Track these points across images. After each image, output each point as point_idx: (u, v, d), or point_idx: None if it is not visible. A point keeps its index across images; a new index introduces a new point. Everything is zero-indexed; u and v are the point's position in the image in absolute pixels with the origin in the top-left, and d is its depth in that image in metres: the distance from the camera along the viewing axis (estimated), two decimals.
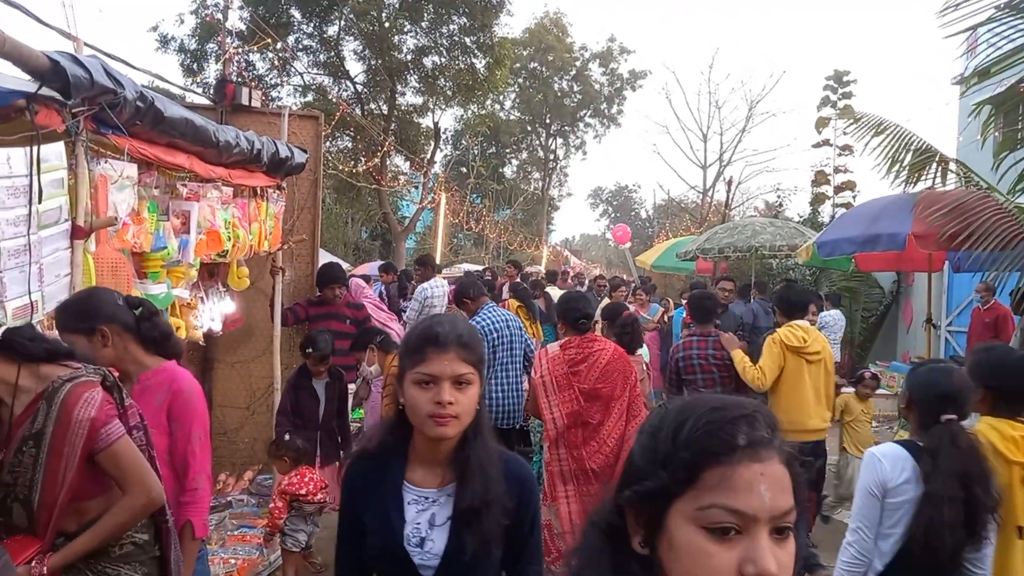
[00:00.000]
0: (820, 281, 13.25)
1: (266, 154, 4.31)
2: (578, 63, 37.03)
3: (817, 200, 21.53)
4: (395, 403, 1.72)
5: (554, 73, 36.45)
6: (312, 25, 21.16)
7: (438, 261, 17.67)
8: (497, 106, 32.05)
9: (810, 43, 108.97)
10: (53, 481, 1.98)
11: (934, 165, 6.03)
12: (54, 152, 2.55)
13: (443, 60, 21.44)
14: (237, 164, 4.05)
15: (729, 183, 23.38)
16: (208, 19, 18.16)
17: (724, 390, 4.78)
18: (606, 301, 7.76)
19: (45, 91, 2.35)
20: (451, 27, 20.92)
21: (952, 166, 6.10)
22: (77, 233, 2.63)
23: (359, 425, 6.21)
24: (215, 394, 5.54)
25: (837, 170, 21.91)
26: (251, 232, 4.43)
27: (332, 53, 21.55)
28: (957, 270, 6.93)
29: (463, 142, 31.87)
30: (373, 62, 21.33)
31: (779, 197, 26.78)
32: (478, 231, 26.62)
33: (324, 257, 7.51)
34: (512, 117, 36.32)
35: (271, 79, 21.10)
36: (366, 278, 11.78)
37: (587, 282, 16.08)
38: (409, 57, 21.42)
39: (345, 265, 11.78)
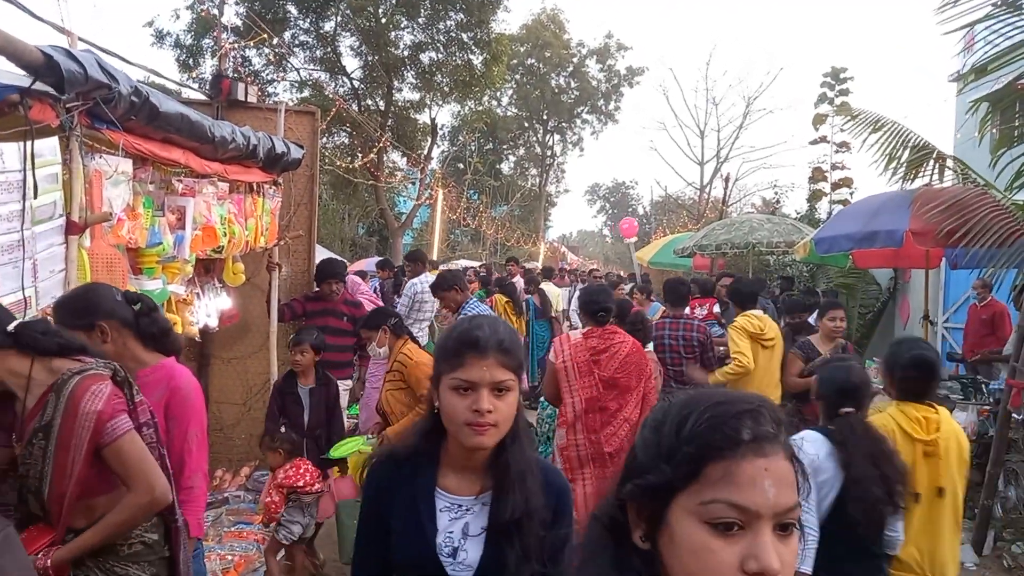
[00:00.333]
0: (817, 278, 13.26)
1: (262, 150, 4.29)
2: (575, 59, 37.00)
3: (814, 197, 21.54)
4: (430, 405, 1.65)
5: (551, 69, 36.41)
6: (308, 21, 21.11)
7: (435, 257, 17.69)
8: (494, 102, 32.05)
9: (807, 40, 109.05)
10: (61, 474, 1.98)
11: (931, 162, 6.04)
12: (48, 147, 2.54)
13: (440, 56, 21.40)
14: (233, 160, 4.03)
15: (726, 180, 23.42)
16: (204, 14, 18.08)
17: (687, 369, 5.40)
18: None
19: (39, 86, 2.33)
20: (448, 23, 20.88)
21: (949, 163, 6.10)
22: (72, 229, 2.62)
23: (354, 421, 6.20)
24: (211, 390, 5.52)
25: (834, 167, 21.92)
26: (247, 228, 4.41)
27: (328, 49, 21.50)
28: (954, 267, 6.94)
29: (460, 138, 31.82)
30: (370, 58, 21.29)
31: (776, 194, 26.78)
32: (475, 227, 26.62)
33: (321, 253, 7.49)
34: (509, 113, 36.29)
35: (267, 75, 21.03)
36: (362, 274, 11.79)
37: (582, 277, 16.09)
38: (406, 53, 21.38)
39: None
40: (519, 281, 11.15)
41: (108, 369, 2.07)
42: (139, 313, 2.48)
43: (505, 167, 37.52)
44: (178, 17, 20.71)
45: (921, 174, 6.12)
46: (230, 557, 4.17)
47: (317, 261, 5.85)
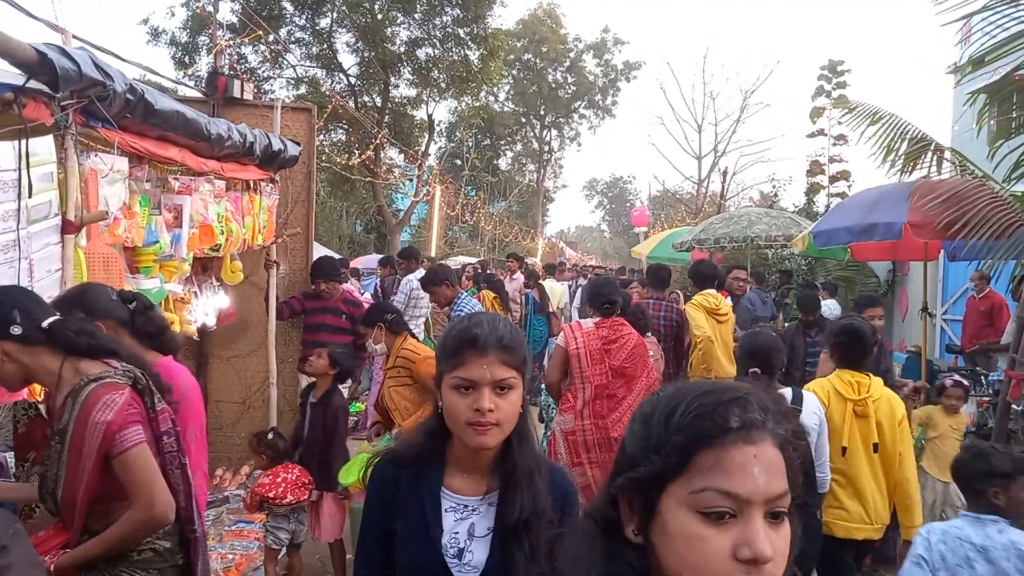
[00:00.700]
0: (816, 271, 13.26)
1: (259, 147, 4.28)
2: (572, 54, 36.96)
3: (812, 190, 21.55)
4: (435, 405, 1.63)
5: (548, 64, 36.37)
6: (304, 17, 21.06)
7: (433, 254, 17.68)
8: (491, 98, 31.99)
9: (805, 32, 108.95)
10: (73, 479, 1.97)
11: (929, 154, 6.03)
12: (43, 146, 2.53)
13: (436, 52, 21.36)
14: (229, 157, 4.01)
15: (724, 173, 23.40)
16: (199, 11, 18.04)
17: (665, 346, 6.00)
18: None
19: (33, 84, 2.32)
20: (444, 18, 20.84)
21: (947, 155, 6.09)
22: (67, 228, 2.60)
23: (355, 419, 6.20)
24: (210, 389, 5.51)
25: (832, 160, 21.94)
26: (244, 226, 4.40)
27: (325, 45, 21.45)
28: (953, 259, 6.92)
29: (457, 134, 31.78)
30: (366, 54, 21.24)
31: (774, 187, 26.80)
32: (473, 223, 26.59)
33: (318, 251, 7.47)
34: (506, 109, 36.25)
35: (263, 72, 20.98)
36: (355, 272, 11.82)
37: (583, 272, 16.09)
38: (402, 49, 21.34)
39: (338, 257, 11.76)
40: (519, 277, 11.17)
41: (127, 377, 2.04)
42: (135, 312, 2.47)
43: (503, 163, 37.48)
44: (173, 14, 20.75)
45: (919, 166, 6.11)
46: (231, 556, 4.17)
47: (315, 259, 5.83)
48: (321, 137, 20.31)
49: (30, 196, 2.41)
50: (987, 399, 5.94)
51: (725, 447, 0.85)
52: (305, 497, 4.01)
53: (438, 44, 21.24)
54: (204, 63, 19.52)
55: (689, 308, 5.97)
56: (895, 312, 11.91)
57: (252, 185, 4.64)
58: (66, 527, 2.05)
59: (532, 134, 38.74)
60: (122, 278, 2.95)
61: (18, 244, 2.39)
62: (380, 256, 13.50)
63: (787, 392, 3.36)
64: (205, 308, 4.52)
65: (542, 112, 37.62)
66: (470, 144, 32.32)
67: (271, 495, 3.92)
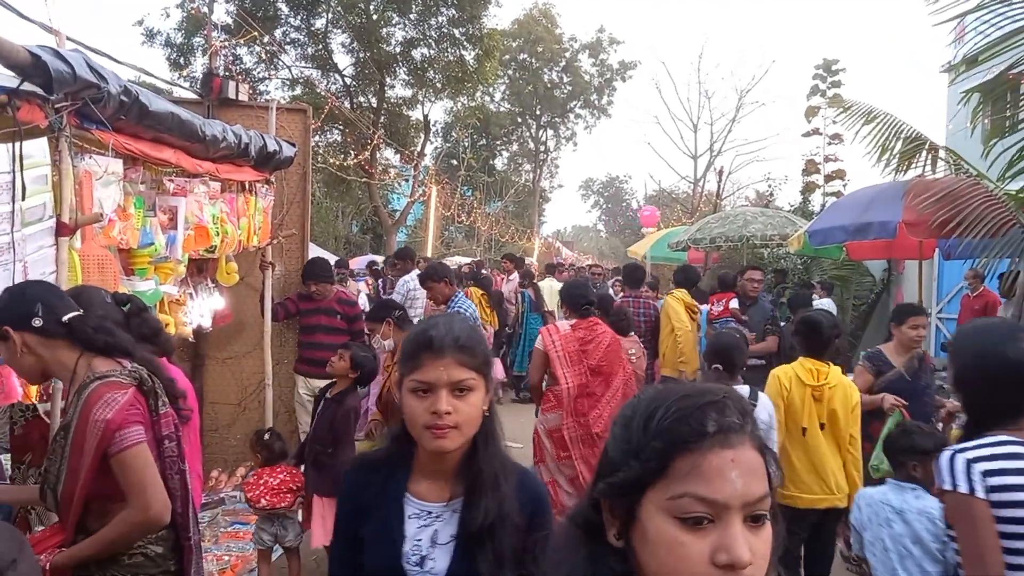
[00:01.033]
0: (811, 270, 13.27)
1: (254, 148, 4.27)
2: (568, 54, 36.95)
3: (808, 189, 21.59)
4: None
5: (544, 64, 36.35)
6: (299, 18, 21.03)
7: (429, 254, 17.67)
8: (487, 98, 31.95)
9: (799, 31, 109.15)
10: (73, 475, 1.99)
11: (924, 153, 6.05)
12: (37, 148, 2.52)
13: (432, 52, 21.34)
14: (224, 158, 4.01)
15: (720, 173, 23.42)
16: (194, 12, 18.01)
17: (643, 340, 6.49)
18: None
19: (27, 86, 2.31)
20: (440, 19, 20.82)
21: (942, 153, 6.11)
22: (62, 230, 2.60)
23: None
24: (206, 391, 5.50)
25: (827, 159, 21.97)
26: (239, 227, 4.39)
27: (320, 46, 21.43)
28: (948, 257, 6.94)
29: (453, 134, 31.75)
30: (361, 55, 21.21)
31: (770, 186, 26.86)
32: (469, 224, 26.58)
33: (314, 252, 7.46)
34: (502, 109, 36.22)
35: (258, 73, 20.93)
36: (353, 273, 11.86)
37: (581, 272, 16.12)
38: (398, 49, 21.31)
39: (333, 259, 11.76)
40: (515, 278, 11.20)
41: (133, 378, 2.05)
42: (129, 314, 2.46)
43: (498, 163, 37.46)
44: (168, 15, 20.64)
45: (914, 165, 6.13)
46: (227, 557, 4.17)
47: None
48: (317, 138, 20.26)
49: (24, 198, 2.41)
50: None
51: (702, 452, 0.85)
52: (284, 505, 3.91)
53: (433, 44, 21.22)
54: (199, 64, 19.46)
55: (670, 300, 6.59)
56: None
57: (247, 186, 4.63)
58: (63, 524, 2.05)
59: (528, 134, 38.73)
60: (117, 280, 2.94)
61: (12, 247, 2.39)
62: (368, 259, 13.56)
63: (744, 389, 3.63)
64: (200, 310, 4.51)
65: (538, 112, 37.60)
66: (466, 144, 32.30)
67: (249, 495, 3.91)
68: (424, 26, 20.94)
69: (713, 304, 7.05)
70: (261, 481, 3.95)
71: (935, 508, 2.60)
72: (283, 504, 3.92)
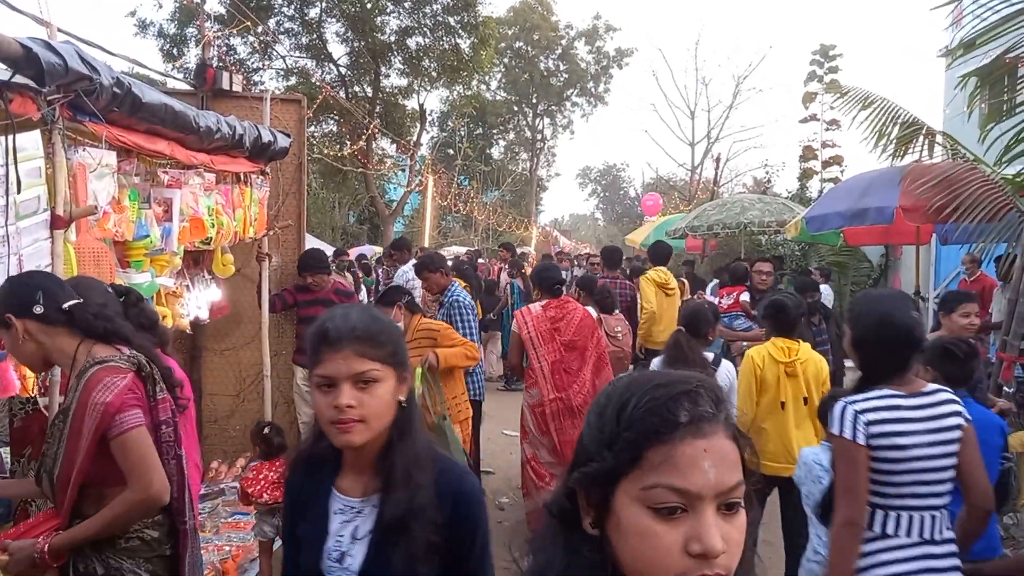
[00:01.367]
0: (809, 256, 13.30)
1: (248, 139, 4.25)
2: (564, 41, 36.77)
3: (805, 175, 21.58)
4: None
5: (540, 52, 36.18)
6: (293, 7, 20.88)
7: (426, 244, 17.64)
8: (483, 86, 31.84)
9: (796, 18, 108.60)
10: (70, 459, 2.01)
11: (921, 138, 6.05)
12: (30, 141, 2.51)
13: (427, 41, 21.22)
14: (219, 150, 3.99)
15: (717, 160, 23.40)
16: (187, 3, 17.88)
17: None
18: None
19: (19, 79, 2.30)
20: (434, 7, 20.68)
21: (939, 138, 6.11)
22: (57, 223, 2.59)
23: None
24: (204, 382, 5.51)
25: (825, 145, 21.95)
26: (235, 218, 4.38)
27: (314, 35, 21.29)
28: (945, 242, 6.97)
29: (449, 124, 31.63)
30: (356, 44, 21.10)
31: (767, 173, 26.80)
32: (466, 213, 26.54)
33: (311, 243, 7.44)
34: (498, 97, 36.10)
35: (252, 63, 20.84)
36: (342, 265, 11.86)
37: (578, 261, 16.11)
38: (393, 38, 21.19)
39: (330, 250, 11.76)
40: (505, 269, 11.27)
41: (132, 363, 2.09)
42: (127, 304, 2.47)
43: (495, 152, 37.36)
44: (161, 6, 20.47)
45: (911, 150, 6.13)
46: (228, 548, 4.17)
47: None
48: (312, 128, 20.22)
49: (18, 192, 2.40)
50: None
51: (674, 443, 0.84)
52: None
53: (428, 33, 21.09)
54: (192, 55, 19.36)
55: (642, 282, 6.99)
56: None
57: (242, 178, 4.61)
58: (58, 508, 2.08)
59: (524, 122, 38.60)
60: (113, 273, 2.94)
61: (7, 240, 2.38)
62: (358, 252, 13.53)
63: (710, 355, 4.18)
64: (197, 301, 4.50)
65: (534, 100, 37.47)
66: (462, 133, 32.20)
67: (250, 490, 3.92)
68: (419, 14, 20.81)
69: (723, 297, 7.02)
70: (261, 476, 3.95)
71: None
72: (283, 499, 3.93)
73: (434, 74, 22.06)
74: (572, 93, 38.12)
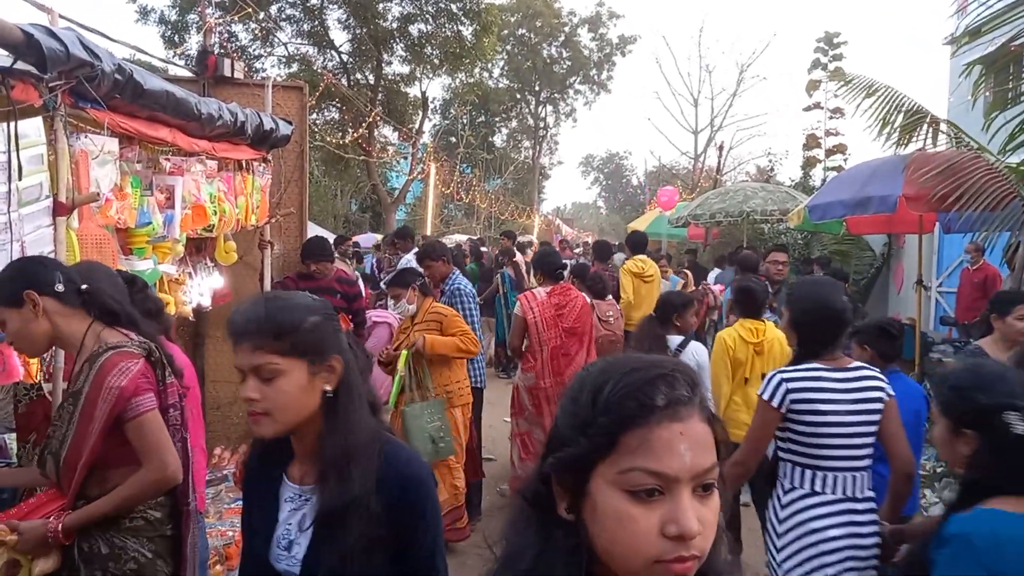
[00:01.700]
0: (812, 245, 13.26)
1: (250, 126, 4.24)
2: (567, 28, 36.58)
3: (808, 164, 21.49)
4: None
5: (543, 39, 36.00)
6: None
7: (428, 232, 17.63)
8: (485, 74, 31.64)
9: (800, 5, 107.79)
10: (79, 442, 2.05)
11: (925, 126, 6.02)
12: (32, 127, 2.51)
13: (429, 28, 21.10)
14: (221, 137, 3.98)
15: (720, 148, 23.32)
16: None
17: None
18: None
19: (20, 65, 2.29)
20: None
21: (943, 127, 6.08)
22: (59, 210, 2.59)
23: None
24: (207, 369, 5.53)
25: (828, 133, 21.84)
26: (237, 206, 4.38)
27: (316, 22, 21.18)
28: (948, 231, 6.93)
29: (452, 111, 31.53)
30: (358, 31, 20.99)
31: (770, 162, 26.72)
32: (469, 201, 26.48)
33: (313, 230, 7.43)
34: (501, 85, 35.93)
35: (254, 50, 20.75)
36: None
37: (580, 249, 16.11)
38: (395, 25, 21.07)
39: (332, 238, 11.73)
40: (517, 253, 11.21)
41: (143, 349, 2.14)
42: (133, 291, 2.50)
43: (498, 140, 37.23)
44: None
45: (914, 139, 6.10)
46: (231, 533, 4.20)
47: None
48: (314, 116, 20.15)
49: (20, 178, 2.40)
50: None
51: (651, 426, 0.85)
52: None
53: (431, 20, 20.97)
54: (194, 42, 19.29)
55: (621, 272, 7.43)
56: (890, 285, 11.94)
57: (244, 165, 4.61)
58: (63, 490, 2.11)
59: (527, 110, 38.46)
60: (115, 260, 2.94)
61: (10, 226, 2.39)
62: (353, 243, 13.48)
63: (675, 339, 4.50)
64: (200, 289, 4.51)
65: (537, 88, 37.31)
66: (464, 121, 32.08)
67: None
68: (421, 1, 20.68)
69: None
70: None
71: None
72: None
73: (436, 61, 21.95)
74: (575, 81, 37.96)
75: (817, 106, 22.13)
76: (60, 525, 2.03)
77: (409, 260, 7.47)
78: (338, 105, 21.48)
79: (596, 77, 38.07)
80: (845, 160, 20.83)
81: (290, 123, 5.01)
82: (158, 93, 3.07)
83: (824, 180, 17.85)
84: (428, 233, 16.52)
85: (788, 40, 47.31)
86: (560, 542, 0.92)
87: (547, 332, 5.05)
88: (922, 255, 7.59)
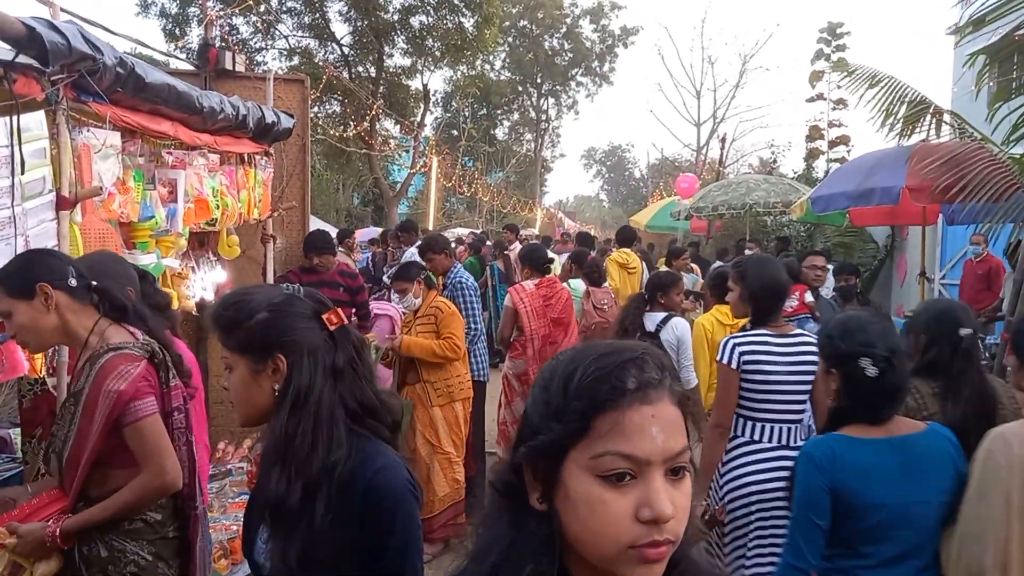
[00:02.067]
0: (815, 237, 13.24)
1: (252, 120, 4.24)
2: (568, 20, 36.45)
3: (811, 155, 21.45)
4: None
5: (544, 31, 35.89)
6: None
7: (431, 226, 17.63)
8: (487, 66, 31.60)
9: None
10: (81, 441, 2.03)
11: (928, 117, 6.00)
12: (35, 121, 2.50)
13: (431, 19, 21.07)
14: (223, 130, 3.98)
15: (723, 140, 23.26)
16: None
17: None
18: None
19: (22, 59, 2.29)
20: None
21: (946, 117, 6.05)
22: (62, 204, 2.59)
23: None
24: (211, 364, 5.52)
25: (831, 124, 21.79)
26: (240, 200, 4.38)
27: (317, 15, 21.16)
28: (951, 223, 6.91)
29: (453, 104, 31.48)
30: (359, 23, 20.95)
31: (773, 153, 26.65)
32: (471, 195, 26.48)
33: (315, 224, 7.44)
34: (503, 77, 35.84)
35: (255, 43, 20.73)
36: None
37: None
38: (396, 17, 21.04)
39: (334, 231, 11.74)
40: (516, 247, 11.19)
41: (145, 351, 2.10)
42: (143, 283, 2.50)
43: (500, 133, 37.19)
44: None
45: (918, 129, 6.08)
46: (235, 527, 4.21)
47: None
48: (315, 109, 20.12)
49: (23, 172, 2.40)
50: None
51: (622, 409, 0.85)
52: None
53: (432, 11, 20.93)
54: (195, 35, 19.27)
55: (608, 262, 7.75)
56: (894, 277, 11.91)
57: (246, 158, 4.60)
58: (65, 490, 2.10)
59: (529, 103, 38.37)
60: (119, 254, 2.94)
61: (13, 221, 2.39)
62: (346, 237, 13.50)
63: (658, 316, 4.64)
64: (203, 283, 4.51)
65: (539, 80, 37.21)
66: (466, 114, 32.04)
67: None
68: None
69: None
70: None
71: None
72: None
73: (438, 54, 21.93)
74: (577, 73, 37.85)
75: (820, 97, 22.07)
76: (59, 529, 2.01)
77: (412, 253, 7.48)
78: (340, 98, 21.47)
79: (598, 69, 37.97)
80: (848, 151, 20.80)
81: (292, 116, 5.01)
82: (160, 87, 3.06)
83: (827, 172, 17.79)
84: (430, 227, 16.51)
85: (791, 31, 47.17)
86: (533, 532, 0.91)
87: (536, 322, 5.30)
88: (925, 247, 7.58)
